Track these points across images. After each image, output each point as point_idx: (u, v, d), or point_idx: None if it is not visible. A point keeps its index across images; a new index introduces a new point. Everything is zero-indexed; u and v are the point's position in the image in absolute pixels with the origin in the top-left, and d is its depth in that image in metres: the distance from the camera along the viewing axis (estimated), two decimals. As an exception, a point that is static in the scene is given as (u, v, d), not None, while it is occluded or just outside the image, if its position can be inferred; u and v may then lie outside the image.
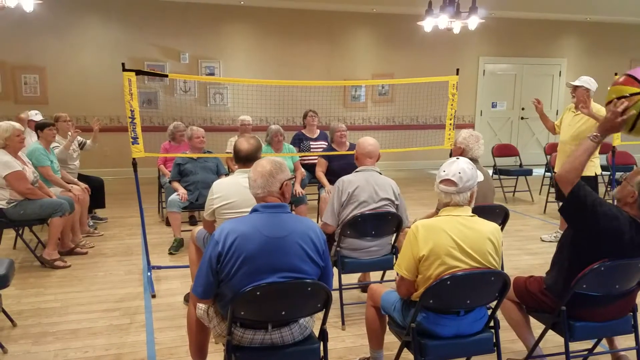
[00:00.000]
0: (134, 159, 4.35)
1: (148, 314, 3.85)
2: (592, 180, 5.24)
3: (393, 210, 3.67)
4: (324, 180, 5.76)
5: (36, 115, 6.31)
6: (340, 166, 5.58)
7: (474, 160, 3.89)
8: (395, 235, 3.81)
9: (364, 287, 4.22)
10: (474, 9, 6.89)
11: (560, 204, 2.73)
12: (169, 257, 5.12)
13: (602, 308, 2.70)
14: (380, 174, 3.74)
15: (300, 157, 6.32)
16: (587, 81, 5.17)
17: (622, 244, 2.56)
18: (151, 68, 8.98)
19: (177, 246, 5.26)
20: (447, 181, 2.50)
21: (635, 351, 2.93)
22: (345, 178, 3.68)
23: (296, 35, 9.89)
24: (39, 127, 5.30)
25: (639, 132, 2.53)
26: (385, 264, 3.81)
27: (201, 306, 2.57)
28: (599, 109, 5.13)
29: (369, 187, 3.61)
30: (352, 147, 5.95)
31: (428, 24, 7.39)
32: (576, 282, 2.58)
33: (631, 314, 2.83)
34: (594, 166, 5.28)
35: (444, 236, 2.43)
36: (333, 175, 5.65)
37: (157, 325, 3.66)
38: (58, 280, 4.52)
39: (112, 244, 5.52)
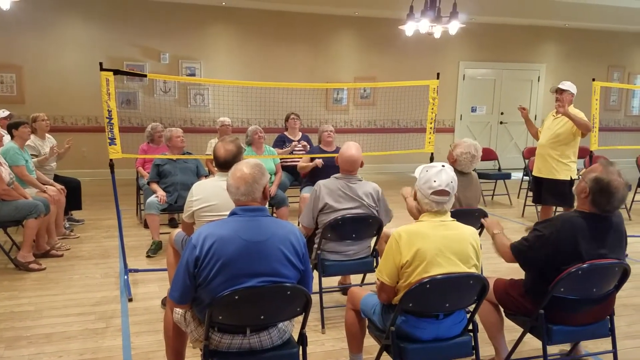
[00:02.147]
0: (111, 160, 4.28)
1: (124, 317, 3.79)
2: (568, 185, 5.31)
3: (374, 213, 3.66)
4: (308, 164, 5.79)
5: (3, 113, 6.20)
6: (325, 163, 5.68)
7: (463, 172, 3.88)
8: (375, 238, 3.80)
9: (344, 289, 4.21)
10: (455, 14, 6.95)
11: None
12: (147, 260, 5.05)
13: (580, 313, 2.73)
14: (361, 180, 3.70)
15: (282, 159, 6.31)
16: (572, 86, 5.26)
17: (580, 246, 2.62)
18: (130, 68, 8.87)
19: (155, 249, 5.19)
20: (442, 192, 2.47)
21: (612, 354, 2.97)
22: (323, 184, 3.63)
23: (279, 37, 9.87)
24: (13, 126, 5.18)
25: None
26: (365, 267, 3.81)
27: (178, 310, 2.53)
28: (577, 112, 5.20)
29: (346, 195, 3.58)
30: (339, 149, 5.97)
31: (409, 28, 7.43)
32: (554, 285, 2.60)
33: (608, 317, 2.86)
34: (569, 170, 5.35)
35: (428, 242, 2.42)
36: (318, 173, 5.65)
37: (134, 330, 3.60)
38: (33, 283, 4.42)
39: (89, 247, 5.43)
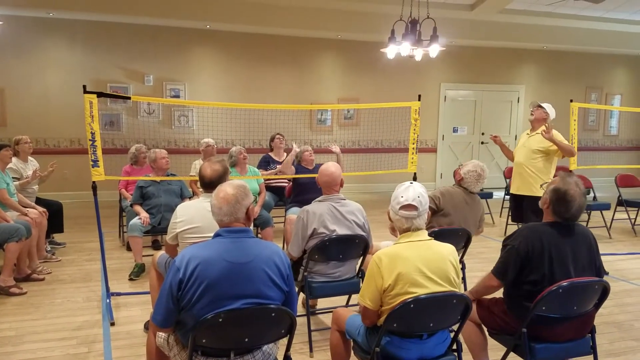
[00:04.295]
0: (93, 182, 4.26)
1: (106, 342, 3.74)
2: (536, 200, 5.31)
3: (360, 232, 3.67)
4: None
5: None
6: (308, 180, 5.67)
7: (469, 191, 4.04)
8: (362, 258, 3.80)
9: (312, 313, 4.20)
10: (435, 38, 7.08)
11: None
12: (129, 283, 4.99)
13: (562, 327, 2.76)
14: (345, 199, 3.72)
15: (266, 179, 6.33)
16: (549, 107, 5.37)
17: (546, 249, 2.71)
18: (114, 90, 8.87)
19: (138, 272, 5.14)
20: (409, 206, 2.51)
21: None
22: (310, 209, 3.60)
23: (262, 59, 9.95)
24: (-6, 149, 5.14)
25: None
26: (352, 288, 3.79)
27: (161, 334, 2.51)
28: (556, 134, 5.30)
29: (333, 217, 3.58)
30: (319, 167, 6.02)
31: (391, 51, 7.54)
32: (535, 304, 2.63)
33: (590, 335, 2.89)
34: (533, 189, 5.37)
35: (408, 264, 2.43)
36: (301, 189, 5.69)
37: (116, 354, 3.55)
38: (13, 307, 4.35)
39: (70, 270, 5.36)
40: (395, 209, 2.55)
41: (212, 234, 2.40)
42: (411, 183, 2.60)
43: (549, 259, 2.69)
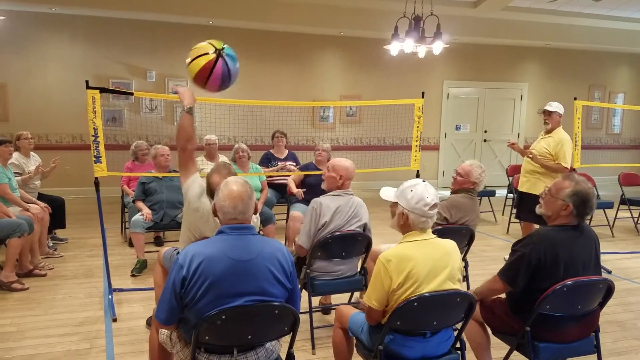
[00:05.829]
0: (96, 178, 4.25)
1: (109, 338, 3.73)
2: (536, 199, 5.26)
3: (363, 230, 3.66)
4: (293, 186, 5.78)
5: None
6: (315, 180, 5.56)
7: (472, 192, 4.02)
8: (364, 256, 3.79)
9: (325, 309, 4.19)
10: (438, 35, 7.05)
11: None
12: (131, 279, 4.99)
13: (566, 329, 2.74)
14: (353, 195, 3.72)
15: (268, 176, 6.31)
16: (559, 106, 5.34)
17: (560, 257, 2.67)
18: (116, 86, 8.86)
19: (140, 268, 5.13)
20: (435, 205, 2.50)
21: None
22: (323, 201, 3.59)
23: (265, 56, 9.93)
24: (-5, 145, 5.13)
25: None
26: (354, 285, 3.79)
27: (164, 331, 2.50)
28: (563, 136, 5.26)
29: (345, 215, 3.57)
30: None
31: (394, 48, 7.52)
32: (539, 303, 2.61)
33: (594, 334, 2.88)
34: (536, 188, 5.34)
35: (418, 263, 2.41)
36: (308, 189, 5.66)
37: (118, 351, 3.55)
38: (15, 303, 4.35)
39: (72, 266, 5.35)
40: (423, 211, 2.47)
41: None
42: (424, 181, 2.57)
43: (564, 266, 2.66)
